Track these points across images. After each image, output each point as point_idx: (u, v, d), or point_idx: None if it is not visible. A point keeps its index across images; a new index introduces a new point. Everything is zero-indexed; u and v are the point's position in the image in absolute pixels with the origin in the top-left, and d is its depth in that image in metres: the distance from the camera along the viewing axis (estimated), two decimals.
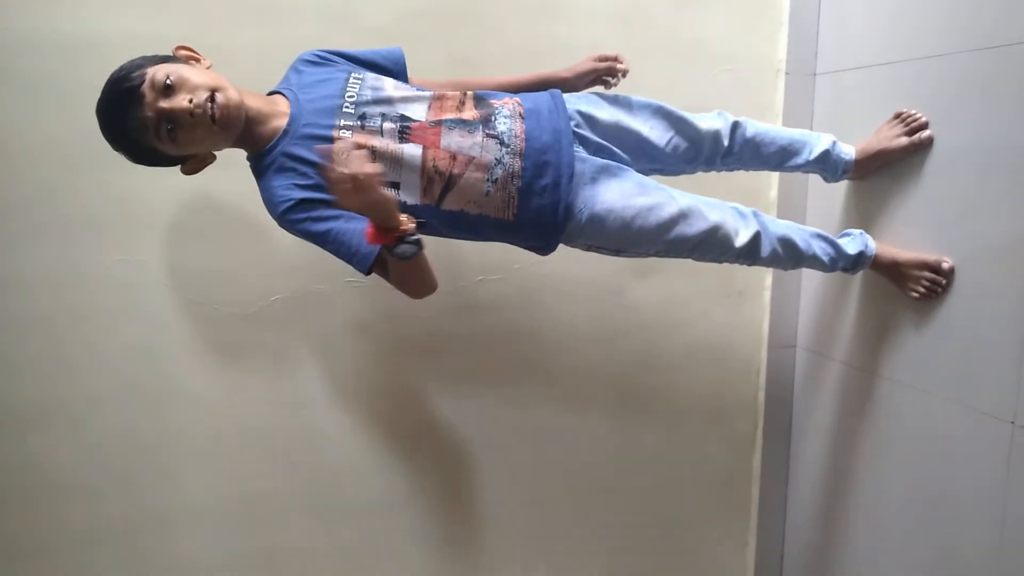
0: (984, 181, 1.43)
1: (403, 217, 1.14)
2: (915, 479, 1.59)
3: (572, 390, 1.84)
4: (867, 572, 1.75)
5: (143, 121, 1.15)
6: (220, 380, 1.60)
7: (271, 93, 1.30)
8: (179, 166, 1.26)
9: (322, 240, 1.22)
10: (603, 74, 1.49)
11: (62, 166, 1.44)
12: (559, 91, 1.40)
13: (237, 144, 1.26)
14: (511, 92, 1.41)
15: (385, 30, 1.59)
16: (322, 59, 1.32)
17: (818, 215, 1.86)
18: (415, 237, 1.15)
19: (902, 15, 1.61)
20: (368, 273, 1.22)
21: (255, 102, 1.24)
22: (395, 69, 1.37)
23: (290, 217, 1.21)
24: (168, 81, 1.14)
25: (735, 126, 1.51)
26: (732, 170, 1.59)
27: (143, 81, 1.14)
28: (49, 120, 1.44)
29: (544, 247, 1.37)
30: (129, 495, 1.58)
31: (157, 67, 1.16)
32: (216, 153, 1.30)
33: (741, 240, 1.39)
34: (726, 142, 1.49)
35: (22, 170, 1.44)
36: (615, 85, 1.51)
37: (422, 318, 1.67)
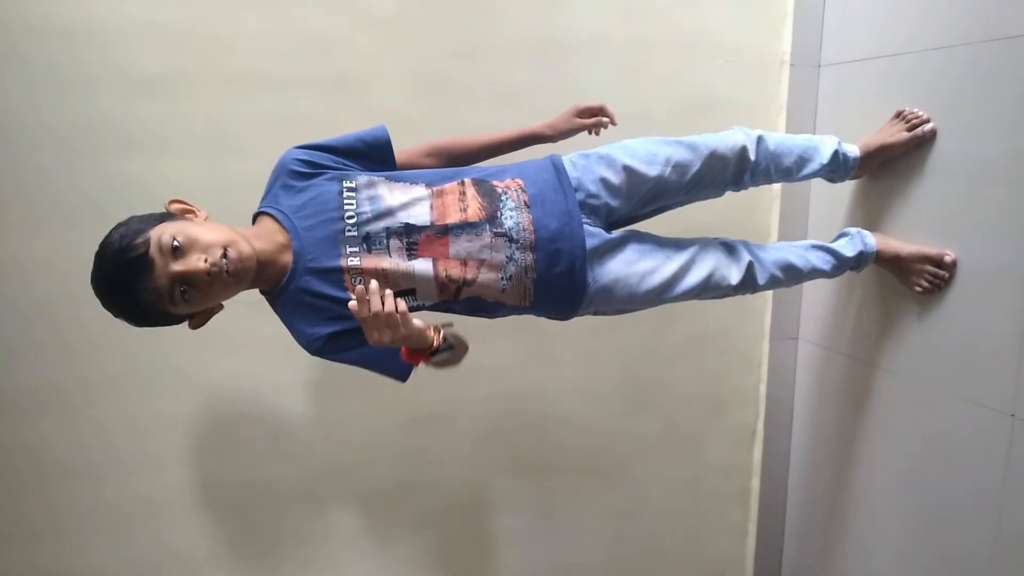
0: (986, 174, 1.43)
1: (432, 332, 1.16)
2: (915, 471, 1.60)
3: (573, 381, 1.85)
4: (866, 563, 1.75)
5: (156, 290, 1.08)
6: (222, 368, 1.60)
7: (259, 213, 1.23)
8: (186, 322, 1.19)
9: (359, 364, 1.26)
10: (588, 128, 1.42)
11: (62, 151, 1.44)
12: (560, 160, 1.35)
13: (249, 286, 1.21)
14: (494, 151, 1.41)
15: (389, 19, 1.58)
16: (308, 166, 1.23)
17: (822, 210, 1.86)
18: (447, 344, 1.18)
19: (906, 6, 1.60)
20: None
21: (261, 244, 1.18)
22: (380, 155, 1.30)
23: (324, 351, 1.22)
24: (176, 243, 1.07)
25: (759, 140, 1.45)
26: (758, 185, 1.52)
27: (149, 247, 1.07)
28: (49, 105, 1.43)
29: (562, 319, 1.38)
30: (127, 480, 1.58)
31: (159, 229, 1.09)
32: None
33: (735, 278, 1.41)
34: (753, 156, 1.44)
35: (22, 155, 1.44)
36: (601, 132, 1.44)
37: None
